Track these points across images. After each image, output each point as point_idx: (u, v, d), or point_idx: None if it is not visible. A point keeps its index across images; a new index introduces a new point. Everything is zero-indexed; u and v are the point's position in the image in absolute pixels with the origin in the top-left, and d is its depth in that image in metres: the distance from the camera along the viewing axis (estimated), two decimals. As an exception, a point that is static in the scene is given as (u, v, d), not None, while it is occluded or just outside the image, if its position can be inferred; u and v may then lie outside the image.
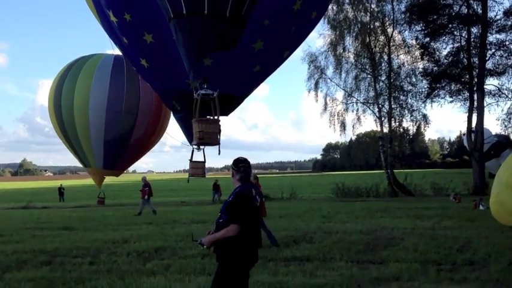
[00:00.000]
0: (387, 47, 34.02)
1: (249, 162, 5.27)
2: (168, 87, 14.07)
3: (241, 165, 5.16)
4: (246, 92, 14.87)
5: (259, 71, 13.96)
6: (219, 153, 12.44)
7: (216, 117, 11.84)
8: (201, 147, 12.75)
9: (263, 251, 10.48)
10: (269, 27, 12.51)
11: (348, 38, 34.79)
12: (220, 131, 11.86)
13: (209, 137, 11.76)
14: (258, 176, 13.41)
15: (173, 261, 9.84)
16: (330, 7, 34.07)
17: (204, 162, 13.55)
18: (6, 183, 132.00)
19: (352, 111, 35.83)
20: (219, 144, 11.99)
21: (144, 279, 8.18)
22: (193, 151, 13.20)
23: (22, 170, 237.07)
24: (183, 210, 24.76)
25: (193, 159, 13.35)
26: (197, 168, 13.64)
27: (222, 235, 4.78)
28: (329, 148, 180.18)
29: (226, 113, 14.71)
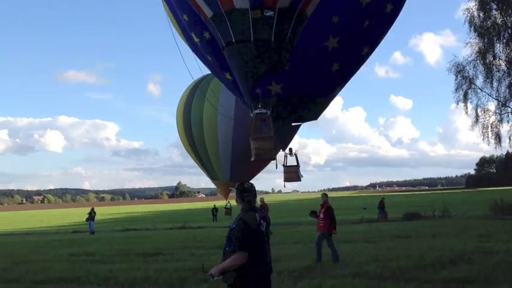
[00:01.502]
0: (542, 52, 31.06)
1: (255, 189, 5.22)
2: (252, 98, 14.38)
3: (245, 195, 5.13)
4: (328, 93, 14.66)
5: (339, 70, 13.75)
6: (276, 168, 13.16)
7: (271, 135, 12.50)
8: (294, 152, 13.72)
9: (418, 272, 10.11)
10: (339, 23, 12.36)
11: (498, 45, 32.35)
12: (275, 147, 12.42)
13: (265, 153, 12.31)
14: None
15: (324, 281, 9.83)
16: (475, 14, 32.22)
17: (298, 166, 14.03)
18: (165, 205, 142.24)
19: (508, 122, 33.11)
20: (274, 159, 12.63)
21: (296, 298, 8.28)
22: (286, 156, 14.00)
23: (178, 192, 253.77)
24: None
25: (287, 164, 13.90)
26: (291, 173, 14.27)
27: (230, 263, 4.81)
28: (483, 162, 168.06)
29: (315, 116, 14.82)
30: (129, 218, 61.64)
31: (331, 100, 15.10)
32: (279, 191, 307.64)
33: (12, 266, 14.23)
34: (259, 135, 12.56)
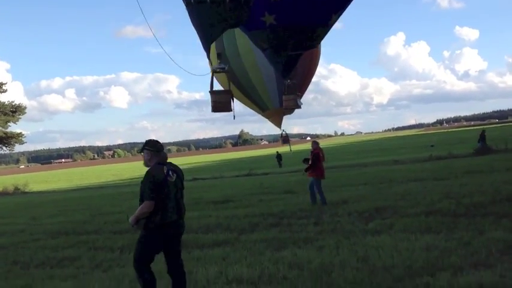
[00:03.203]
0: None
1: (158, 144, 5.68)
2: (249, 29, 14.27)
3: (151, 149, 5.61)
4: (324, 21, 14.32)
5: None
6: (233, 118, 14.12)
7: (228, 89, 13.89)
8: (292, 82, 14.88)
9: (494, 207, 9.80)
10: None
11: None
12: (233, 99, 13.65)
13: (221, 105, 13.46)
14: (317, 141, 14.74)
15: (396, 220, 9.70)
16: None
17: (296, 94, 15.24)
18: (229, 153, 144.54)
19: None
20: (231, 110, 13.61)
21: (369, 238, 8.22)
22: (285, 85, 15.02)
23: (241, 140, 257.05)
24: (397, 168, 24.30)
25: (286, 93, 15.20)
26: (289, 100, 15.31)
27: (139, 212, 5.38)
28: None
29: (313, 44, 14.78)
30: (196, 168, 63.15)
31: (330, 28, 14.95)
32: (342, 134, 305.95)
33: (90, 218, 14.95)
34: (216, 90, 13.77)
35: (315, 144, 14.07)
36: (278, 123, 25.63)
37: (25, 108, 52.51)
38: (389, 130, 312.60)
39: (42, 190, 44.01)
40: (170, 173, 5.54)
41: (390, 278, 5.98)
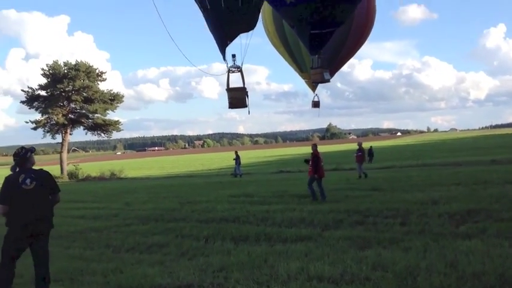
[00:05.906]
0: None
1: (23, 154, 6.14)
2: (275, 5, 14.82)
3: (14, 158, 6.17)
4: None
5: None
6: (248, 113, 15.16)
7: (242, 86, 14.50)
8: (320, 56, 15.50)
9: None
10: None
11: None
12: (247, 96, 14.42)
13: (237, 102, 14.34)
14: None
15: (489, 224, 9.21)
16: None
17: (324, 68, 15.80)
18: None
19: None
20: (247, 106, 14.56)
21: (459, 242, 7.86)
22: (313, 60, 15.64)
23: (328, 134, 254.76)
24: (494, 169, 23.01)
25: (313, 67, 15.85)
26: (316, 74, 15.98)
27: None
28: None
29: (338, 21, 14.83)
30: (282, 160, 63.41)
31: (355, 5, 15.14)
32: (435, 130, 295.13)
33: (180, 206, 15.45)
34: (233, 87, 14.52)
35: (314, 146, 15.94)
36: (313, 88, 25.91)
37: (123, 96, 55.21)
38: (486, 128, 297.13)
39: (136, 176, 46.14)
40: (27, 180, 6.00)
41: (480, 285, 5.69)
